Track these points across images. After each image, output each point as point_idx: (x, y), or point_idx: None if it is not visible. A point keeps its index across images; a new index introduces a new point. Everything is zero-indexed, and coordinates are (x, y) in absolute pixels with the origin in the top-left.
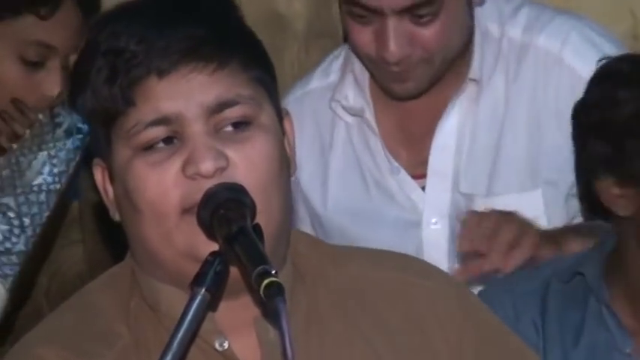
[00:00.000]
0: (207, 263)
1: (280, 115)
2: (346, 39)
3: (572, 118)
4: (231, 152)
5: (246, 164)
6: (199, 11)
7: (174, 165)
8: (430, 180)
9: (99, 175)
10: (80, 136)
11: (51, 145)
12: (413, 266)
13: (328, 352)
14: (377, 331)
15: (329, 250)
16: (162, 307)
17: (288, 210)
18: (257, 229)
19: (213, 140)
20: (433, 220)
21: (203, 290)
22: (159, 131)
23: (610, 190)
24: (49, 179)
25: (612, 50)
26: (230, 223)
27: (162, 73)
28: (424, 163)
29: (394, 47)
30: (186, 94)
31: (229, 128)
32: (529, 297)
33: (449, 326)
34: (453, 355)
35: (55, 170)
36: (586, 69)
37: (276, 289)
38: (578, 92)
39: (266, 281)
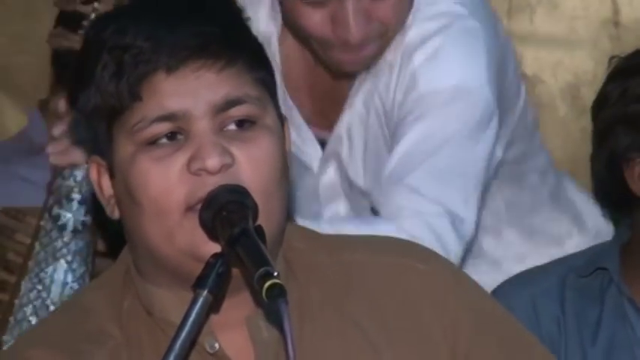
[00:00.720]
0: (209, 265)
1: (281, 119)
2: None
3: (593, 118)
4: (236, 150)
5: (250, 163)
6: (207, 10)
7: (179, 161)
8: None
9: (94, 171)
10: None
11: (64, 251)
12: (410, 251)
13: (321, 347)
14: (371, 318)
15: (324, 241)
16: (156, 311)
17: (286, 212)
18: (259, 230)
19: (218, 137)
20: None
21: (205, 292)
22: (164, 127)
23: None
24: (75, 285)
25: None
26: (232, 225)
27: (170, 70)
28: (325, 121)
29: (355, 28)
30: (194, 91)
31: (233, 127)
32: (548, 294)
33: (444, 310)
34: (447, 339)
35: (77, 274)
36: None
37: (279, 290)
38: None
39: (268, 283)
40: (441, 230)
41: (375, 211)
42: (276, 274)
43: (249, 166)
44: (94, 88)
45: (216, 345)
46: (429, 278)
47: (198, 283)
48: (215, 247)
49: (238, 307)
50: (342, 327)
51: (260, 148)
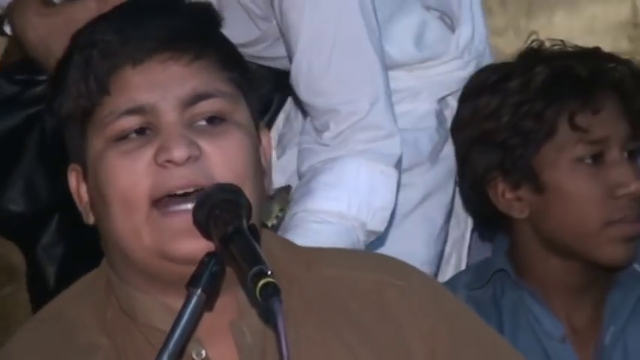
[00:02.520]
0: (202, 264)
1: (257, 123)
2: None
3: (453, 139)
4: (204, 144)
5: (220, 156)
6: (177, 7)
7: (147, 154)
8: None
9: (73, 180)
10: None
11: None
12: (388, 266)
13: (304, 354)
14: (352, 330)
15: (302, 254)
16: (140, 317)
17: (258, 210)
18: (253, 229)
19: (187, 131)
20: None
21: (199, 291)
22: (132, 121)
23: (504, 196)
24: None
25: None
26: (226, 224)
27: (136, 62)
28: None
29: None
30: (162, 84)
31: (203, 123)
32: None
33: (423, 324)
34: (427, 351)
35: None
36: None
37: (273, 289)
38: None
39: (262, 282)
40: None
41: None
42: (269, 272)
43: (219, 159)
44: (66, 91)
45: (203, 352)
46: (407, 294)
47: (192, 282)
48: (182, 246)
49: (222, 312)
50: (324, 338)
51: (229, 141)
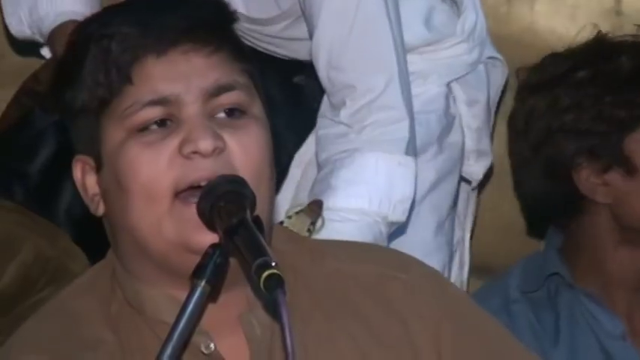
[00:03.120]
0: (206, 255)
1: (268, 113)
2: None
3: (518, 133)
4: (227, 136)
5: (241, 150)
6: (192, 1)
7: (170, 145)
8: None
9: (78, 171)
10: None
11: None
12: (391, 259)
13: (312, 350)
14: (358, 324)
15: (306, 246)
16: (148, 311)
17: (274, 202)
18: (257, 221)
19: (210, 122)
20: None
21: (203, 282)
22: (155, 112)
23: (589, 180)
24: None
25: None
26: (230, 215)
27: (160, 53)
28: None
29: None
30: (185, 75)
31: (223, 115)
32: (494, 315)
33: (427, 317)
34: (433, 345)
35: None
36: None
37: (277, 280)
38: None
39: (266, 273)
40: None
41: None
42: (274, 264)
43: (241, 152)
44: (80, 84)
45: (212, 345)
46: (411, 287)
47: (196, 274)
48: (204, 238)
49: (231, 305)
50: (331, 332)
51: (250, 136)
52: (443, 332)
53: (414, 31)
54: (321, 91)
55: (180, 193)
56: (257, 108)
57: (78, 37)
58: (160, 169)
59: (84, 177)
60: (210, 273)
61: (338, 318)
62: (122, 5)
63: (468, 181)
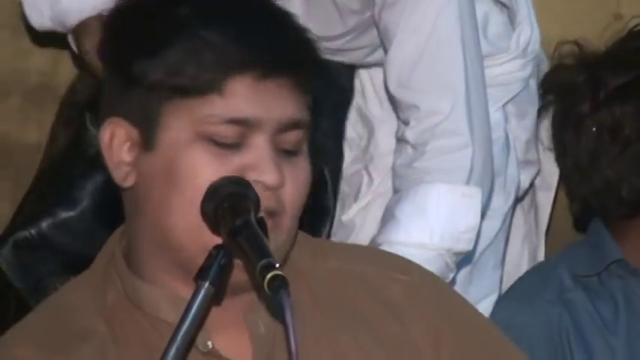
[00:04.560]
0: (210, 257)
1: None
2: None
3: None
4: (285, 173)
5: (293, 187)
6: (290, 27)
7: (235, 164)
8: None
9: (108, 132)
10: None
11: None
12: (392, 261)
13: (313, 349)
14: (359, 324)
15: (308, 244)
16: (146, 308)
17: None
18: (261, 222)
19: (275, 155)
20: None
21: (207, 284)
22: (233, 130)
23: None
24: None
25: None
26: (234, 217)
27: (257, 78)
28: None
29: None
30: (270, 103)
31: (283, 149)
32: (551, 306)
33: (428, 320)
34: (432, 347)
35: None
36: None
37: (281, 282)
38: None
39: (270, 274)
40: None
41: None
42: (277, 265)
43: (292, 189)
44: (158, 60)
45: (209, 343)
46: (411, 289)
47: (200, 275)
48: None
49: (236, 304)
50: (331, 330)
51: (301, 175)
52: (442, 337)
53: None
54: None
55: None
56: (305, 144)
57: (164, 13)
58: None
59: (112, 140)
60: (214, 274)
61: (339, 317)
62: (222, 8)
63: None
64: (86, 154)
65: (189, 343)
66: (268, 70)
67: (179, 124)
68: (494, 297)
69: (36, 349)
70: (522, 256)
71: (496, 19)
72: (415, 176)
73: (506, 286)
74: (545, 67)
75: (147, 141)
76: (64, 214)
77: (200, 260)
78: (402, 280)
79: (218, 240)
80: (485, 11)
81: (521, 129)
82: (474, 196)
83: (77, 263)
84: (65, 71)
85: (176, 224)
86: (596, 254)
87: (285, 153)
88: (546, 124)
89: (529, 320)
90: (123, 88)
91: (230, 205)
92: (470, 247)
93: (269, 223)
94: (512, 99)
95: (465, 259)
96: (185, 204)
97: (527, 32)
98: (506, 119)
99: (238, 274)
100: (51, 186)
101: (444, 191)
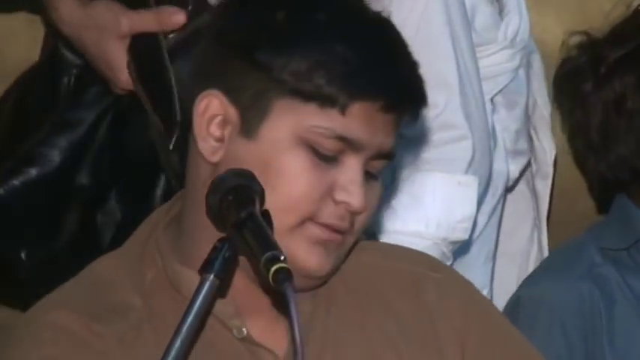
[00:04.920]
0: (215, 250)
1: None
2: None
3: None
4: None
5: (366, 211)
6: (411, 58)
7: (329, 180)
8: None
9: (203, 104)
10: None
11: None
12: (423, 260)
13: (345, 338)
14: (390, 319)
15: None
16: (184, 290)
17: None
18: (266, 215)
19: (363, 180)
20: None
21: (212, 276)
22: (338, 146)
23: None
24: None
25: None
26: (239, 209)
27: (384, 108)
28: None
29: None
30: (376, 129)
31: (367, 171)
32: (581, 282)
33: (456, 316)
34: (457, 347)
35: None
36: None
37: (285, 275)
38: None
39: (275, 267)
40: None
41: None
42: (282, 258)
43: (365, 213)
44: (290, 60)
45: (244, 330)
46: (441, 286)
47: (205, 268)
48: (309, 264)
49: (273, 295)
50: (363, 322)
51: (374, 200)
52: (468, 336)
53: None
54: None
55: (308, 222)
56: None
57: (302, 13)
58: (311, 196)
59: (207, 110)
60: (219, 267)
61: (371, 311)
62: (357, 33)
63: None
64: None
65: (197, 333)
66: (391, 104)
67: (285, 122)
68: (485, 292)
69: (75, 315)
70: (532, 243)
71: (484, 10)
72: (413, 165)
73: (513, 274)
74: (537, 57)
75: (247, 127)
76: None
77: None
78: (433, 278)
79: (288, 249)
80: (473, 3)
81: (511, 119)
82: (470, 185)
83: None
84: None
85: None
86: (624, 228)
87: (367, 175)
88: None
89: (560, 296)
90: (236, 67)
91: (235, 197)
92: (466, 236)
93: (336, 239)
94: (500, 91)
95: (459, 250)
96: (272, 202)
97: (516, 22)
98: (493, 111)
99: None
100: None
101: (440, 180)
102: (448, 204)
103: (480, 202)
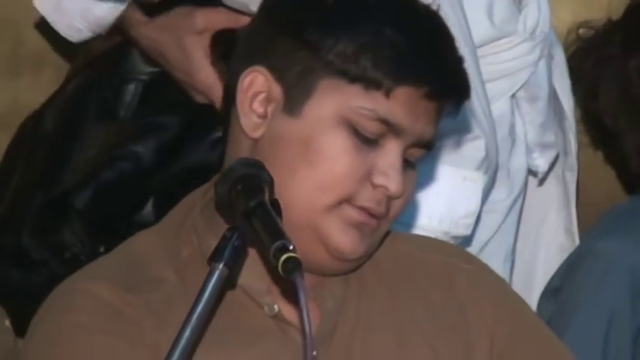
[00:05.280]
0: (224, 238)
1: None
2: None
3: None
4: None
5: (402, 198)
6: (457, 50)
7: (369, 163)
8: None
9: (247, 80)
10: None
11: None
12: (456, 252)
13: (377, 322)
14: (421, 307)
15: None
16: None
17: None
18: (275, 204)
19: (402, 166)
20: None
21: (221, 265)
22: (380, 128)
23: None
24: None
25: None
26: (248, 198)
27: (428, 95)
28: None
29: None
30: (418, 117)
31: (405, 159)
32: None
33: (486, 308)
34: (487, 336)
35: None
36: None
37: (294, 264)
38: None
39: (284, 256)
40: None
41: None
42: (292, 247)
43: (400, 201)
44: (338, 40)
45: (275, 307)
46: (474, 278)
47: (214, 257)
48: (343, 245)
49: (307, 278)
50: (394, 308)
51: (410, 188)
52: (498, 328)
53: (478, 23)
54: None
55: (345, 204)
56: None
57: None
58: (351, 176)
59: (251, 87)
60: (229, 256)
61: (403, 298)
62: (407, 22)
63: (534, 173)
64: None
65: (211, 314)
66: (436, 92)
67: (329, 102)
68: None
69: (108, 285)
70: (559, 228)
71: (501, 3)
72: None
73: (536, 266)
74: (559, 50)
75: (291, 105)
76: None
77: (295, 238)
78: (466, 269)
79: (321, 229)
80: None
81: (534, 112)
82: (476, 181)
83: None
84: (99, 42)
85: (294, 190)
86: None
87: (406, 162)
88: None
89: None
90: (284, 45)
91: (244, 186)
92: (468, 232)
93: (371, 223)
94: (521, 87)
95: (473, 249)
96: (310, 181)
97: (535, 14)
98: (515, 107)
99: (323, 256)
100: None
101: (446, 174)
102: (453, 198)
103: (484, 199)
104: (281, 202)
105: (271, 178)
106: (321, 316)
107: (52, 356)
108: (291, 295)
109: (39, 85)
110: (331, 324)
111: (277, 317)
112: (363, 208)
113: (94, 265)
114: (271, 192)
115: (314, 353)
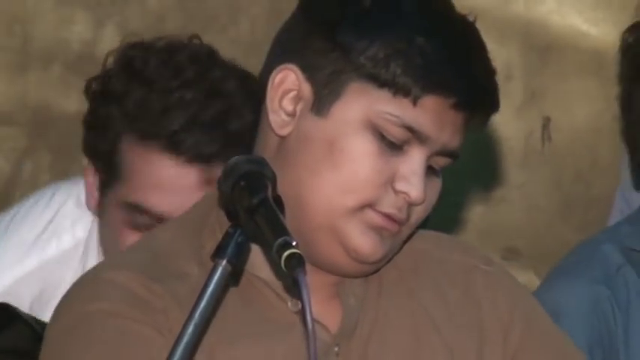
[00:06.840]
0: (228, 235)
1: None
2: None
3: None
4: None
5: (423, 205)
6: (489, 61)
7: (393, 169)
8: None
9: (279, 76)
10: None
11: None
12: (475, 253)
13: (395, 321)
14: (436, 305)
15: None
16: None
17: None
18: (278, 200)
19: (425, 173)
20: None
21: (225, 262)
22: (404, 135)
23: None
24: None
25: None
26: (251, 195)
27: (452, 105)
28: None
29: None
30: (443, 126)
31: (429, 166)
32: (595, 285)
33: (502, 309)
34: (501, 335)
35: None
36: None
37: (297, 260)
38: None
39: (287, 253)
40: None
41: None
42: (294, 243)
43: (422, 207)
44: (370, 44)
45: (299, 303)
46: (490, 279)
47: (217, 253)
48: (362, 247)
49: (330, 276)
50: (412, 307)
51: (433, 196)
52: (513, 328)
53: None
54: None
55: (367, 209)
56: None
57: (389, 4)
58: (374, 180)
59: (282, 84)
60: (232, 253)
61: (420, 296)
62: (443, 29)
63: None
64: None
65: (206, 324)
66: (463, 103)
67: (357, 105)
68: None
69: (134, 275)
70: None
71: None
72: None
73: None
74: None
75: (319, 104)
76: None
77: (314, 239)
78: (484, 270)
79: (342, 233)
80: None
81: None
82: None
83: None
84: (107, 40)
85: (316, 191)
86: None
87: (430, 170)
88: None
89: (571, 300)
90: (317, 45)
91: (247, 183)
92: None
93: (392, 228)
94: None
95: None
96: (333, 184)
97: None
98: None
99: (342, 257)
100: None
101: None
102: None
103: None
104: (302, 202)
105: (274, 175)
106: (344, 312)
107: (77, 342)
108: (316, 291)
109: (47, 80)
110: (353, 320)
111: (300, 313)
112: (384, 214)
113: (118, 257)
114: (274, 188)
115: (335, 349)
